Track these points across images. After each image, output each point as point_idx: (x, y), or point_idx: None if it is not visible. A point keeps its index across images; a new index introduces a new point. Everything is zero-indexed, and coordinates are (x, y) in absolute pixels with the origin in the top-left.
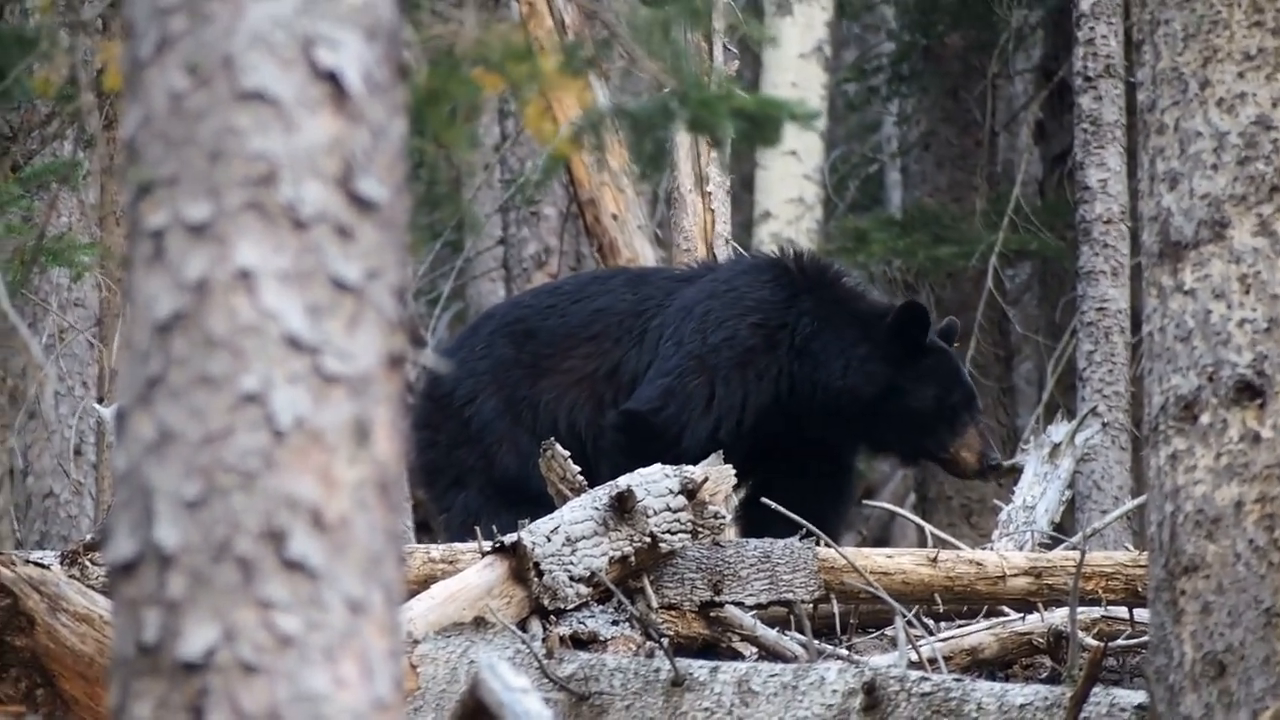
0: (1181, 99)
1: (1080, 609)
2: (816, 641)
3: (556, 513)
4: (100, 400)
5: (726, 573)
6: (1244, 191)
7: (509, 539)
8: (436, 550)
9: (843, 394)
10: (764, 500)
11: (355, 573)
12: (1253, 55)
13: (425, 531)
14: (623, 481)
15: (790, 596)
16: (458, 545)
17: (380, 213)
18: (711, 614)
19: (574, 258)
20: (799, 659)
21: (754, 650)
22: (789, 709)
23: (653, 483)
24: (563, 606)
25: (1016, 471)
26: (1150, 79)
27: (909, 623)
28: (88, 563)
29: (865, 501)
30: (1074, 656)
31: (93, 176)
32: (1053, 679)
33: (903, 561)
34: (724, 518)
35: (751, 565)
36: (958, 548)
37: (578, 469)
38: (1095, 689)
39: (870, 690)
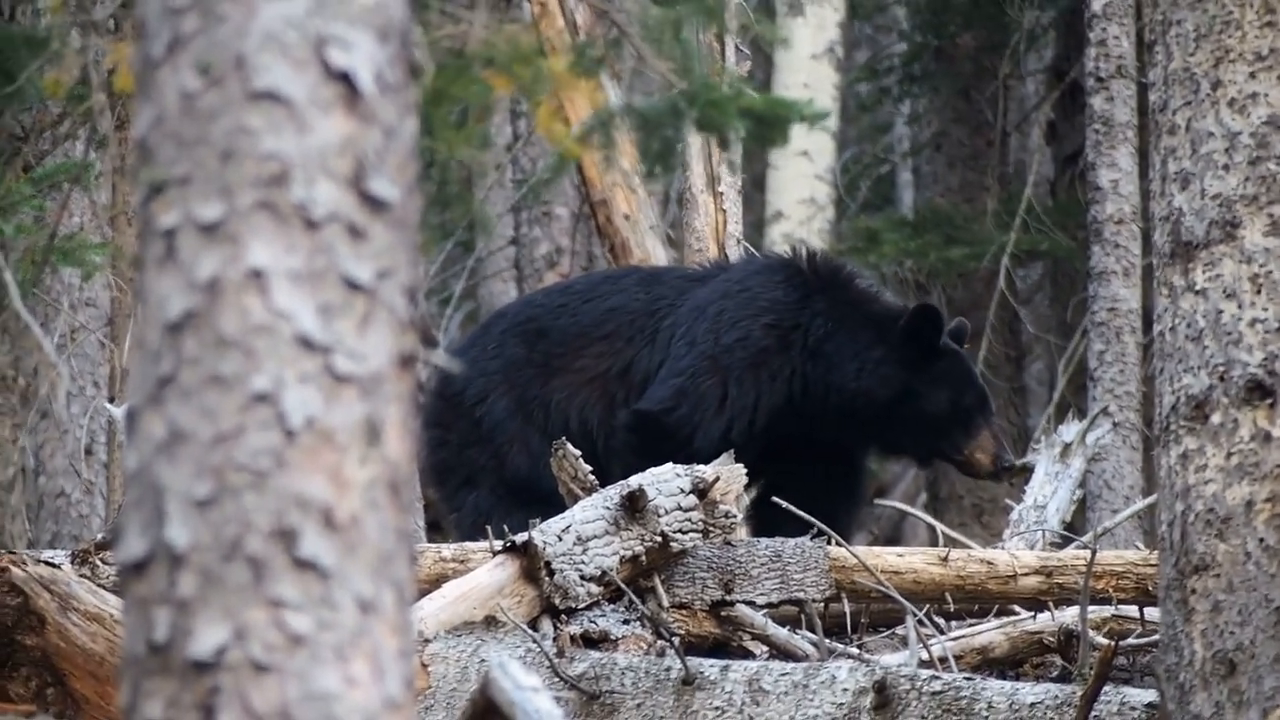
0: (1193, 99)
1: (1091, 608)
2: (827, 640)
3: (568, 512)
4: (111, 400)
5: (738, 572)
6: (1255, 192)
7: (520, 538)
8: (448, 549)
9: (857, 396)
10: (775, 499)
11: (366, 572)
12: (1264, 55)
13: (436, 531)
14: (634, 481)
15: (801, 595)
16: (469, 544)
17: (392, 213)
18: (723, 613)
19: (585, 258)
20: (810, 658)
21: (765, 649)
22: (800, 708)
23: (664, 482)
24: (574, 605)
25: (1028, 471)
26: (1162, 79)
27: (920, 622)
28: (98, 562)
29: (876, 500)
30: (1084, 655)
31: (104, 176)
32: (1063, 678)
33: (914, 560)
34: (735, 517)
35: (763, 564)
36: (969, 547)
37: (589, 468)
38: (1106, 688)
39: (881, 689)
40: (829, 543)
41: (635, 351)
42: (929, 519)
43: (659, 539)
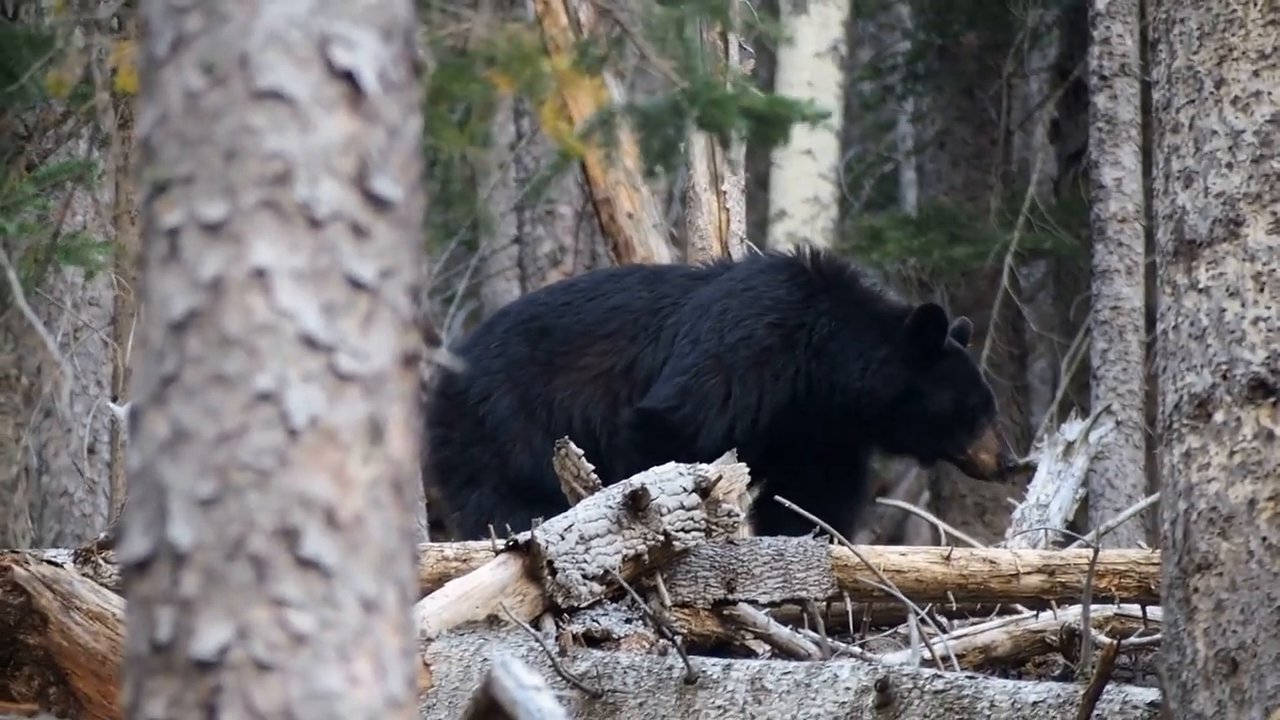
0: (1197, 97)
1: (1093, 607)
2: (830, 639)
3: (570, 511)
4: (115, 399)
5: (740, 571)
6: (1259, 190)
7: (523, 537)
8: (450, 548)
9: (861, 395)
10: (778, 498)
11: (369, 571)
12: (1268, 54)
13: (439, 529)
14: (636, 480)
15: (804, 594)
16: (471, 543)
17: (395, 211)
18: (725, 612)
19: (589, 256)
20: (812, 657)
21: (767, 648)
22: (802, 707)
23: (667, 481)
24: (576, 605)
25: (1030, 470)
26: (1165, 77)
27: (922, 620)
28: (101, 561)
29: (879, 499)
30: (1087, 654)
31: (108, 175)
32: (1066, 677)
33: (916, 559)
34: (738, 516)
35: (765, 563)
36: (971, 546)
37: (591, 467)
38: (1108, 686)
39: (883, 688)
40: (831, 541)
41: (639, 350)
42: (931, 518)
43: (661, 538)
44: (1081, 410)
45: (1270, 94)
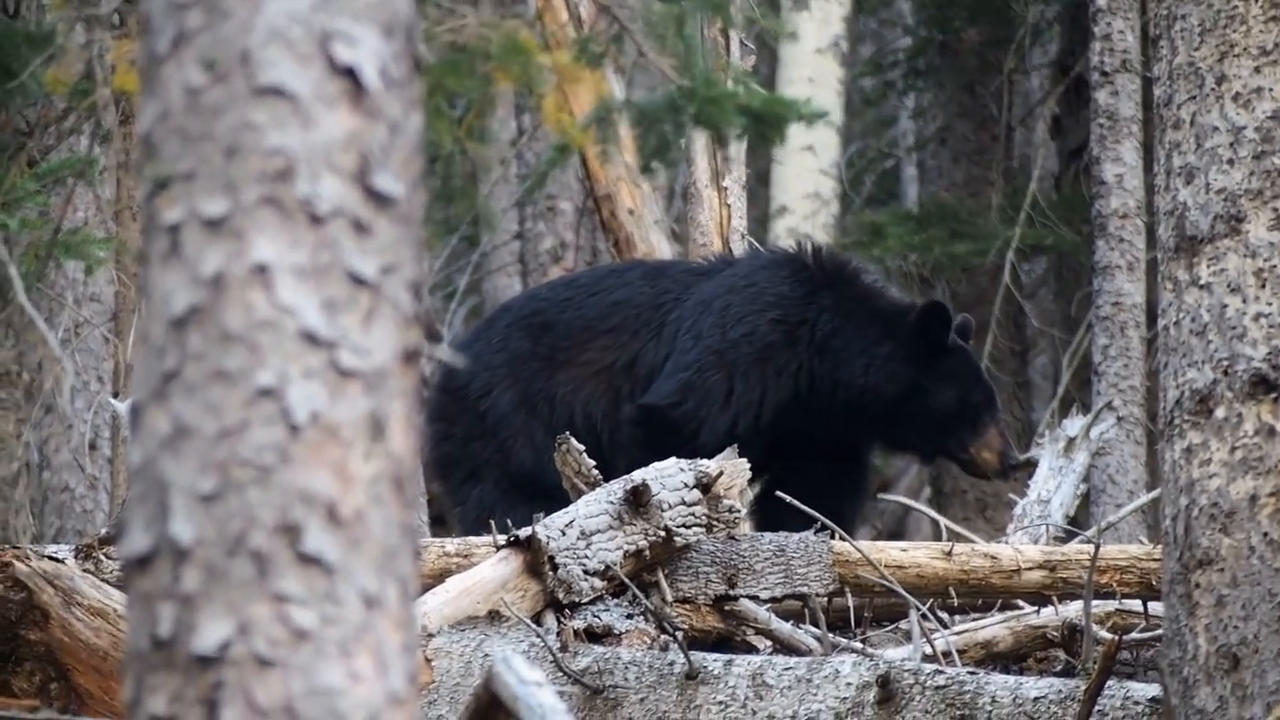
0: (1198, 94)
1: (1095, 602)
2: (831, 635)
3: (571, 506)
4: (116, 395)
5: (741, 566)
6: (1260, 186)
7: (524, 533)
8: (451, 544)
9: (865, 392)
10: (779, 494)
11: (370, 567)
12: (1269, 50)
13: (440, 525)
14: (637, 475)
15: (805, 590)
16: (473, 539)
17: (397, 208)
18: (726, 607)
19: (590, 253)
20: (813, 652)
21: (768, 644)
22: (803, 702)
23: (668, 477)
24: (577, 600)
25: (1031, 466)
26: (1166, 74)
27: (923, 616)
28: (102, 557)
29: (880, 495)
30: (1088, 650)
31: (109, 172)
32: (1067, 672)
33: (917, 555)
34: (739, 512)
35: (766, 559)
36: (972, 541)
37: (593, 463)
38: (1109, 682)
39: (885, 683)
40: (833, 537)
41: (640, 345)
42: (933, 514)
43: (662, 534)
44: (1083, 406)
45: (1271, 90)
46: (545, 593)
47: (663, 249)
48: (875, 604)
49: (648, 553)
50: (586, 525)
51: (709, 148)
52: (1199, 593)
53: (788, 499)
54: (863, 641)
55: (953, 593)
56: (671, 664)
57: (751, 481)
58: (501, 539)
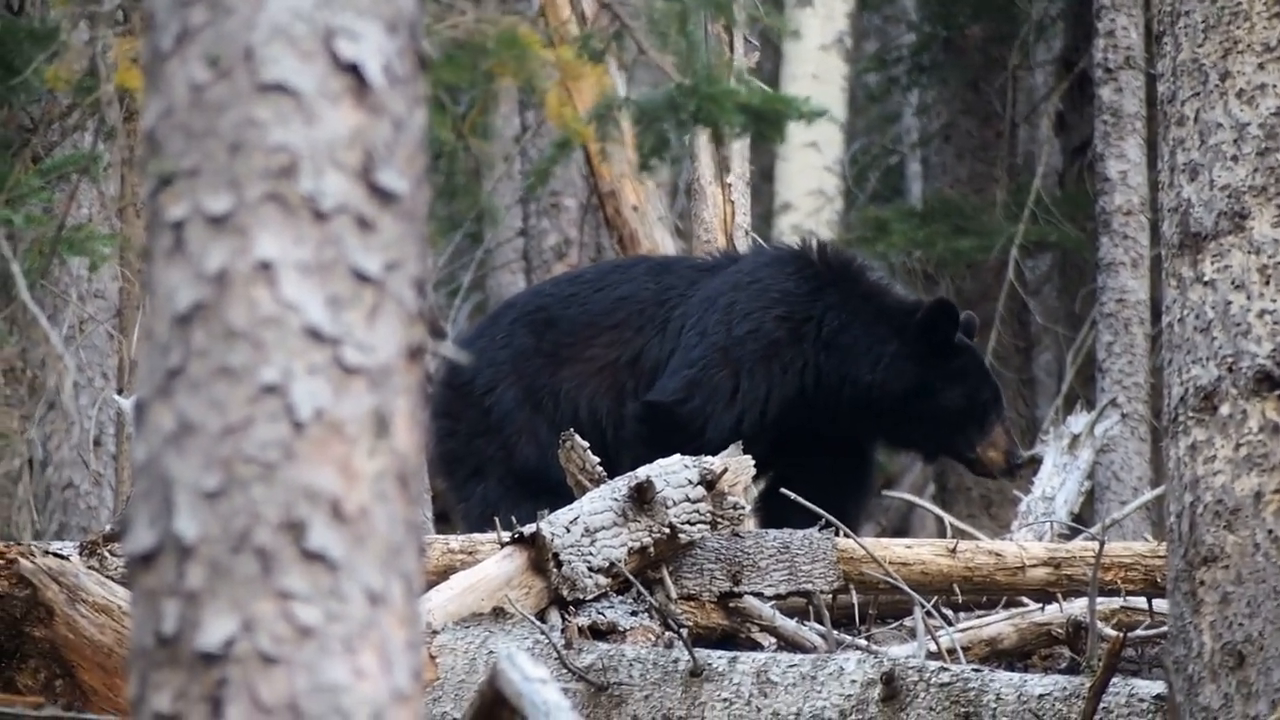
0: (1202, 90)
1: (1099, 599)
2: (835, 632)
3: (576, 503)
4: (120, 391)
5: (745, 563)
6: (1264, 183)
7: (528, 529)
8: (455, 541)
9: (872, 389)
10: (783, 491)
11: (375, 564)
12: (1273, 46)
13: (444, 522)
14: (642, 472)
15: (809, 587)
16: (477, 536)
17: (401, 204)
18: (730, 604)
19: (594, 249)
20: (818, 649)
21: (773, 641)
22: (808, 699)
23: (672, 473)
24: (581, 597)
25: (1036, 463)
26: (1170, 70)
27: (928, 613)
28: (107, 554)
29: (884, 492)
30: (1093, 647)
31: (113, 168)
32: (1072, 669)
33: (922, 552)
34: (743, 508)
35: (770, 556)
36: (977, 538)
37: (597, 460)
38: (1114, 679)
39: (889, 680)
40: (837, 534)
41: (645, 341)
42: (937, 510)
43: (667, 530)
44: (1087, 403)
45: (1275, 86)
46: (550, 590)
47: (667, 245)
48: (880, 601)
49: (652, 550)
50: (591, 522)
51: (712, 144)
52: (1204, 590)
53: (792, 496)
54: (867, 638)
55: (957, 590)
56: (676, 661)
57: (756, 478)
58: (506, 536)
